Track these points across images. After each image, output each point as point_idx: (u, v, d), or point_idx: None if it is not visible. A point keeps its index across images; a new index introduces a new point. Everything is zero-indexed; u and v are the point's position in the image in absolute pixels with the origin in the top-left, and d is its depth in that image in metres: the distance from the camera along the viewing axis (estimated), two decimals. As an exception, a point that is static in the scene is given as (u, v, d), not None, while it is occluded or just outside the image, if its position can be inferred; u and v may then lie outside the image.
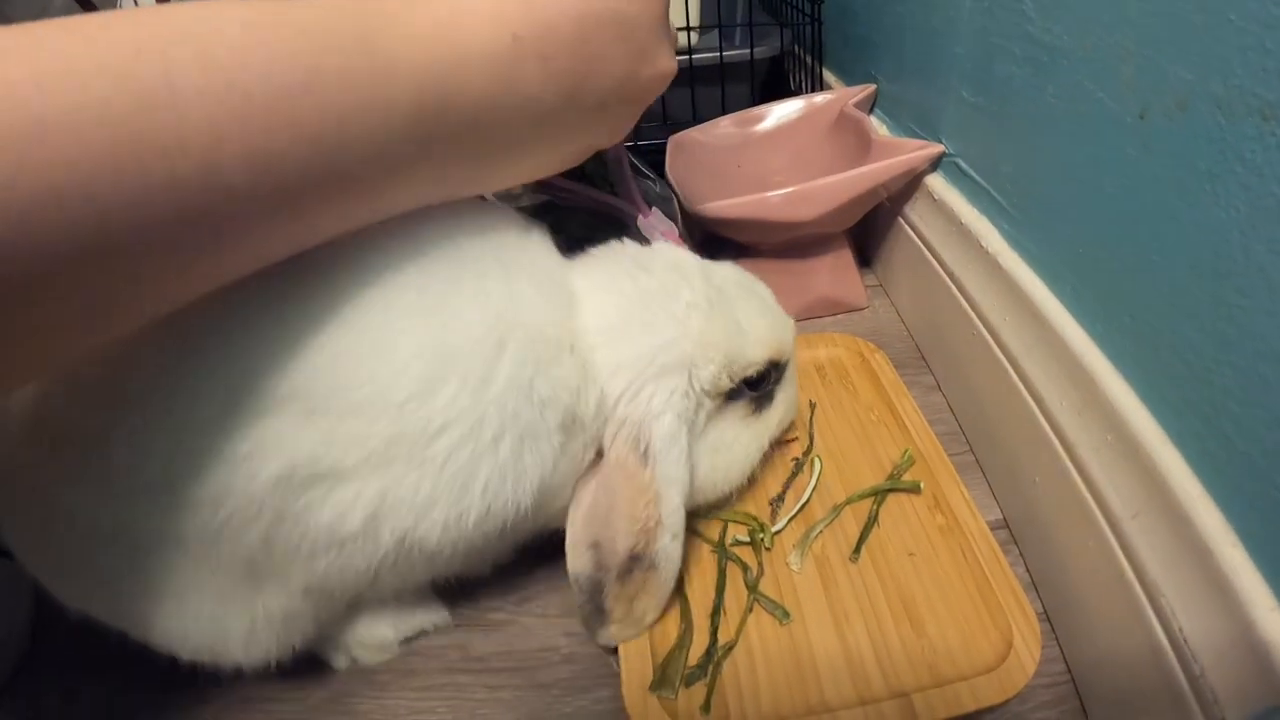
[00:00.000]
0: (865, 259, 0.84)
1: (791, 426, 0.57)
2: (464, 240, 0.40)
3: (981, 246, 0.58)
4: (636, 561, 0.43)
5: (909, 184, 0.70)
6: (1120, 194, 0.43)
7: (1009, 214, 0.56)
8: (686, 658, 0.45)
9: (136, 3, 0.47)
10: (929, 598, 0.47)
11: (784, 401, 0.52)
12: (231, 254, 0.30)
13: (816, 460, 0.57)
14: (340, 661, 0.49)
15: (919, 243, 0.69)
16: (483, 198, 0.46)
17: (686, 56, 0.87)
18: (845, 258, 0.76)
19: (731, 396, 0.48)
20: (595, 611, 0.44)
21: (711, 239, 0.76)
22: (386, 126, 0.31)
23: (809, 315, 0.77)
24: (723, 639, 0.46)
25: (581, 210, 0.61)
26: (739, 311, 0.48)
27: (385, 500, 0.36)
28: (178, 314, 0.31)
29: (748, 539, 0.52)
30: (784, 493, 0.55)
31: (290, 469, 0.34)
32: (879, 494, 0.53)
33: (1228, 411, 0.36)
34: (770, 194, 0.65)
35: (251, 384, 0.33)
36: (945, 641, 0.44)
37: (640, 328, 0.44)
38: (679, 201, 0.74)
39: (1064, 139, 0.48)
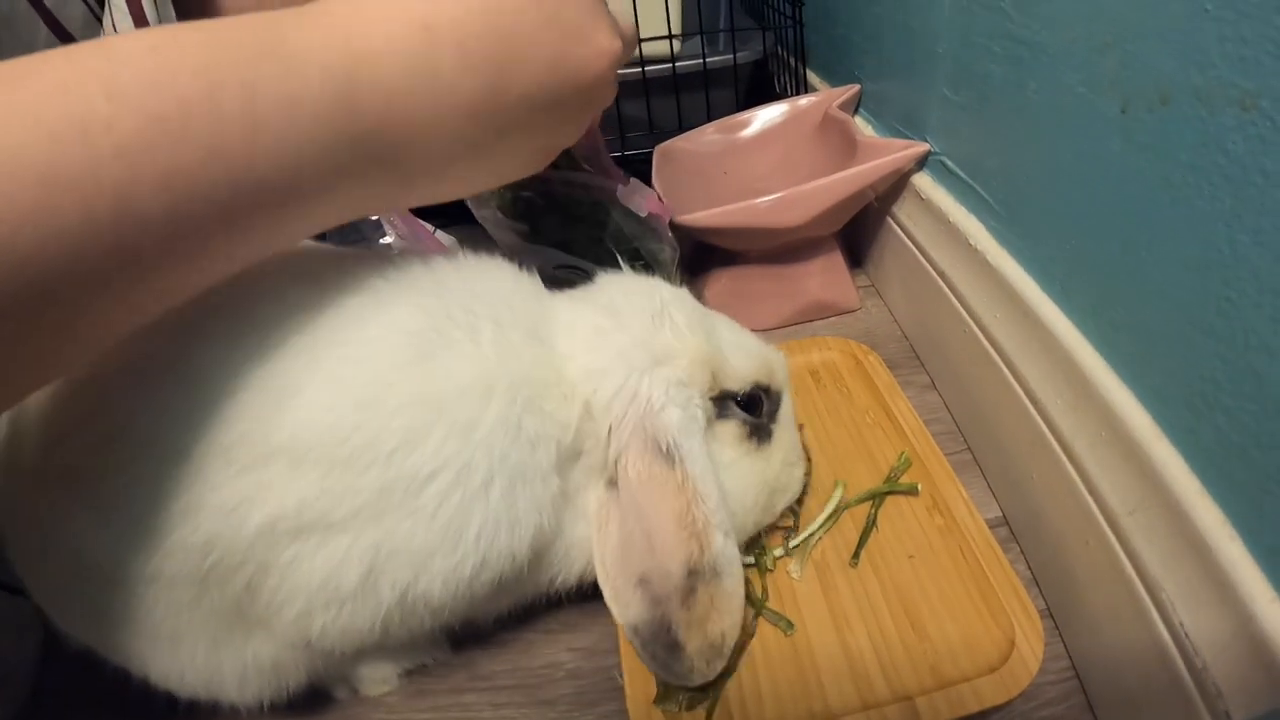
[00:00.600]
0: (855, 260, 0.84)
1: (803, 495, 0.54)
2: (450, 290, 0.40)
3: (970, 244, 0.58)
4: (696, 576, 0.39)
5: (896, 184, 0.70)
6: (1106, 189, 0.43)
7: (996, 211, 0.56)
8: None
9: (116, 29, 0.47)
10: (930, 599, 0.47)
11: (785, 444, 0.50)
12: (163, 280, 0.29)
13: (839, 485, 0.55)
14: (342, 692, 0.49)
15: (908, 242, 0.69)
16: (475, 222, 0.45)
17: (669, 64, 0.87)
18: (836, 260, 0.76)
19: (723, 413, 0.46)
20: (669, 650, 0.39)
21: (701, 247, 0.76)
22: (299, 129, 0.30)
23: (801, 319, 0.77)
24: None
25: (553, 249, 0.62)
26: (717, 323, 0.48)
27: (380, 552, 0.35)
28: (174, 365, 0.33)
29: (752, 561, 0.50)
30: (796, 522, 0.53)
31: (274, 519, 0.33)
32: (877, 497, 0.53)
33: (1220, 404, 0.36)
34: (758, 201, 0.65)
35: (241, 436, 0.33)
36: (948, 642, 0.44)
37: (615, 329, 0.43)
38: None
39: (1048, 135, 0.48)
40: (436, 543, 0.36)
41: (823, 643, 0.46)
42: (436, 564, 0.37)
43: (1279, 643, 0.31)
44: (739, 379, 0.47)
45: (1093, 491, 0.43)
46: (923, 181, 0.67)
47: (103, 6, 0.48)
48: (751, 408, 0.47)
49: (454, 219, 0.76)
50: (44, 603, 0.38)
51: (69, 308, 0.26)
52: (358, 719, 0.48)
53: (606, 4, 0.41)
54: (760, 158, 0.84)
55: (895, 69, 0.72)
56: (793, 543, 0.51)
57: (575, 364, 0.42)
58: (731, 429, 0.46)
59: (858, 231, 0.82)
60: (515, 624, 0.52)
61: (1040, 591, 0.50)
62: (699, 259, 0.79)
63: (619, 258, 0.59)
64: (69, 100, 0.24)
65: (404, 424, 0.35)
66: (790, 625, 0.46)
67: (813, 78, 0.96)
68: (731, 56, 0.91)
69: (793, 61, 0.95)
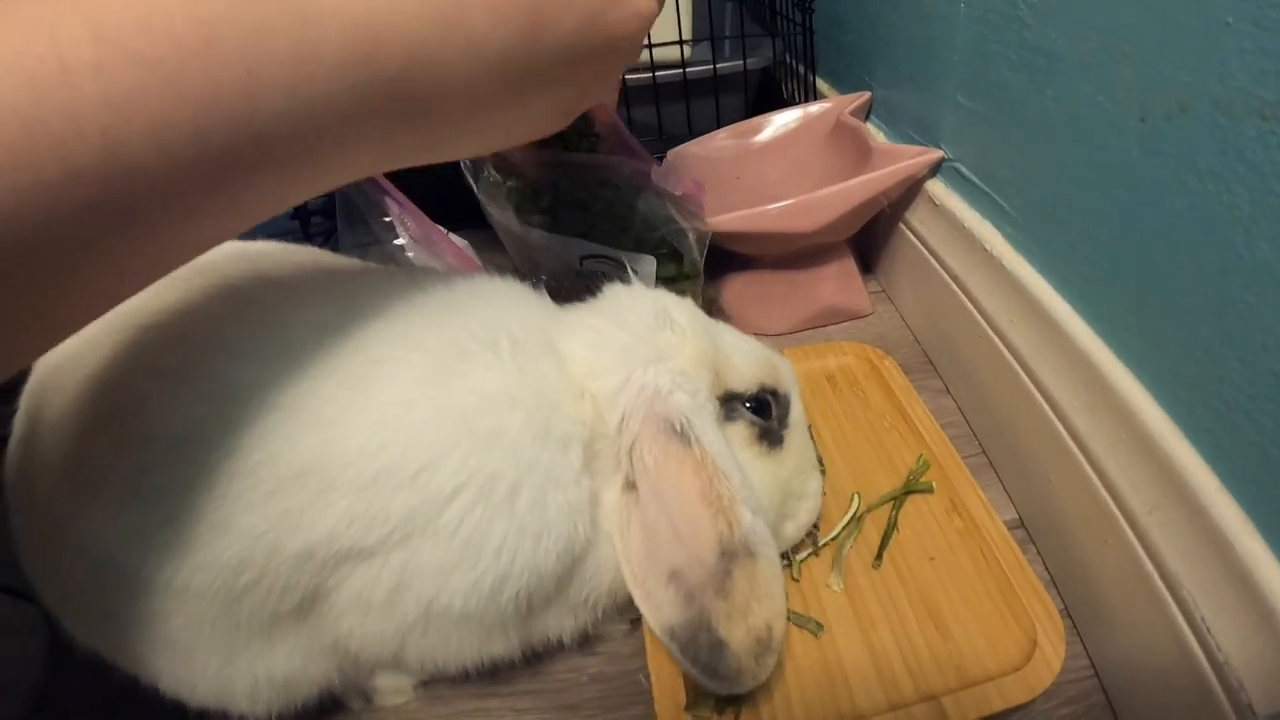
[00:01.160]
0: (867, 265, 0.85)
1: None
2: (467, 308, 0.41)
3: (985, 250, 0.59)
4: (730, 558, 0.37)
5: (909, 190, 0.71)
6: (1124, 195, 0.43)
7: (1012, 217, 0.57)
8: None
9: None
10: (952, 600, 0.47)
11: (797, 449, 0.49)
12: (157, 240, 0.27)
13: (855, 497, 0.55)
14: (356, 703, 0.48)
15: (921, 248, 0.70)
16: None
17: (680, 70, 0.88)
18: (848, 266, 0.77)
19: (731, 415, 0.46)
20: (712, 651, 0.36)
21: (715, 251, 0.77)
22: (310, 81, 0.27)
23: (814, 325, 0.78)
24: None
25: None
26: (720, 328, 0.48)
27: (407, 569, 0.36)
28: (207, 379, 0.33)
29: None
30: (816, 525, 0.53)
31: (310, 549, 0.34)
32: (897, 499, 0.54)
33: (1238, 405, 0.36)
34: (770, 206, 0.66)
35: (269, 456, 0.33)
36: (971, 643, 0.45)
37: (618, 329, 0.43)
38: None
39: (1065, 143, 0.49)
40: (455, 558, 0.36)
41: (849, 645, 0.46)
42: (456, 580, 0.36)
43: (1302, 638, 0.32)
44: (743, 379, 0.47)
45: (1111, 491, 0.44)
46: (936, 188, 0.68)
47: None
48: (760, 412, 0.47)
49: (465, 222, 0.77)
50: (55, 604, 0.37)
51: (53, 267, 0.24)
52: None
53: None
54: (773, 163, 0.84)
55: (908, 76, 0.72)
56: (820, 542, 0.52)
57: (581, 365, 0.42)
58: (741, 431, 0.46)
59: (868, 237, 0.83)
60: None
61: (1058, 592, 0.51)
62: (713, 263, 0.79)
63: (642, 243, 0.59)
64: (50, 41, 0.22)
65: (428, 441, 0.35)
66: (820, 627, 0.47)
67: (821, 84, 0.97)
68: (741, 63, 0.92)
69: (801, 68, 0.96)
